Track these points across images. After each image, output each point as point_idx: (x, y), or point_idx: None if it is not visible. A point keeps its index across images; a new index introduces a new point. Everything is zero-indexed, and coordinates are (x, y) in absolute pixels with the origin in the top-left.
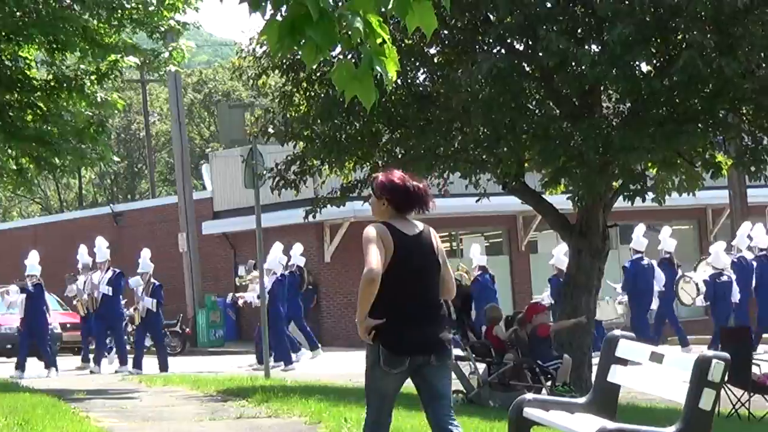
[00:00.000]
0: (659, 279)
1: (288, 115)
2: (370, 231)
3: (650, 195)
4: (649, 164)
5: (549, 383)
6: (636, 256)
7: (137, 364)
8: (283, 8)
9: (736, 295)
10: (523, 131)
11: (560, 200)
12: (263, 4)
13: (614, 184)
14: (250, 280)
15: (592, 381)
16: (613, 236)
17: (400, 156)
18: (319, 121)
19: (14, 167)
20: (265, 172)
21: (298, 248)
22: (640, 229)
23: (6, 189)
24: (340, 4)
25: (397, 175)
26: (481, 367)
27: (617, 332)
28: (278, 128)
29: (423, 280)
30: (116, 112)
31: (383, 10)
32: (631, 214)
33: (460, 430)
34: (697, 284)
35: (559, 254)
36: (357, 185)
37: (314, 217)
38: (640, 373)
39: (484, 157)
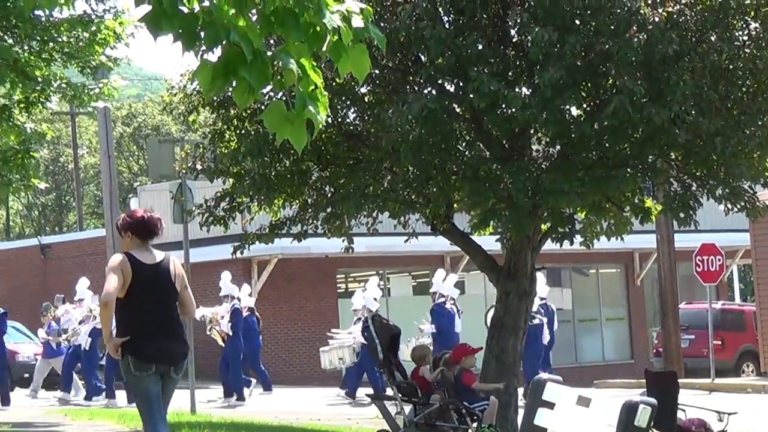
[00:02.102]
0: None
1: (218, 152)
2: (113, 260)
3: (578, 238)
4: (578, 208)
5: (475, 425)
6: (440, 300)
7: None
8: (217, 48)
9: (546, 337)
10: (452, 172)
11: (488, 241)
12: (197, 43)
13: (543, 226)
14: (57, 316)
15: (518, 423)
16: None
17: (329, 194)
18: (248, 158)
19: None
20: (194, 208)
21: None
22: (440, 274)
23: None
24: (271, 42)
25: (136, 209)
26: (407, 407)
27: (545, 376)
28: (207, 165)
29: (160, 302)
30: (45, 143)
31: (317, 51)
32: (559, 256)
33: None
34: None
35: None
36: (286, 222)
37: (242, 253)
38: (567, 416)
39: (413, 197)
